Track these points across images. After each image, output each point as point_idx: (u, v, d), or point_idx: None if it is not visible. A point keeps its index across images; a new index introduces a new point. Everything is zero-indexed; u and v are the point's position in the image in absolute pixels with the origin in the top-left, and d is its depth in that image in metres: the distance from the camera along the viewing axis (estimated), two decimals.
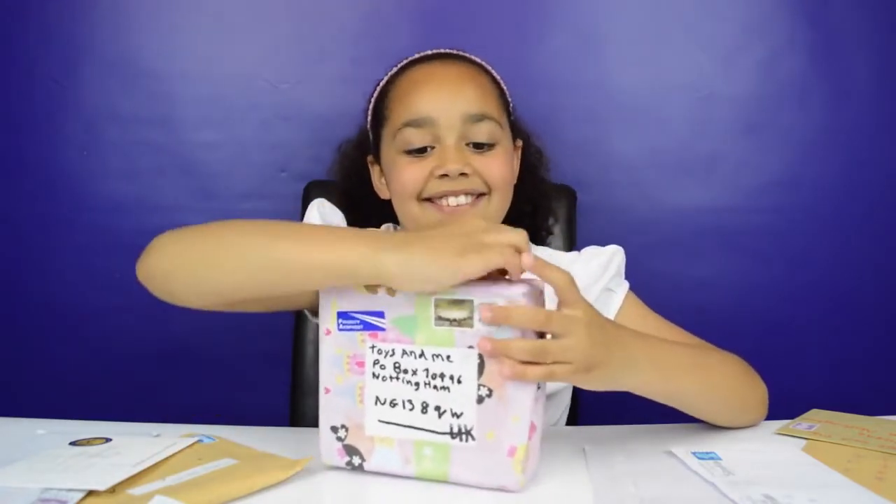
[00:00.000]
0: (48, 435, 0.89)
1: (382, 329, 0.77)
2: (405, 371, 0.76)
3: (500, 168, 1.02)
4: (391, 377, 0.77)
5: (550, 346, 0.73)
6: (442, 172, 0.99)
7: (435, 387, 0.76)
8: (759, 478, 0.77)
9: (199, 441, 0.86)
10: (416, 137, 1.00)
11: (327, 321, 0.79)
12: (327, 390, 0.80)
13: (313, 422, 1.24)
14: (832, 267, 1.52)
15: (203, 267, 0.82)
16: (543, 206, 1.20)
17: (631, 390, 0.83)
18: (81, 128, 1.47)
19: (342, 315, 0.78)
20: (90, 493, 0.72)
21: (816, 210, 1.51)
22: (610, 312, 1.02)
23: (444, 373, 0.75)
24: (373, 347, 0.77)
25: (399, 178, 1.02)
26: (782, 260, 1.52)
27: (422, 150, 1.01)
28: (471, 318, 0.73)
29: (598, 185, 1.47)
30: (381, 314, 0.77)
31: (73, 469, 0.77)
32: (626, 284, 1.06)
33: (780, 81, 1.49)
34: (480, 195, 1.02)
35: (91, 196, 1.48)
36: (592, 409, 1.26)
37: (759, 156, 1.50)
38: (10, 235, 1.48)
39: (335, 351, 0.79)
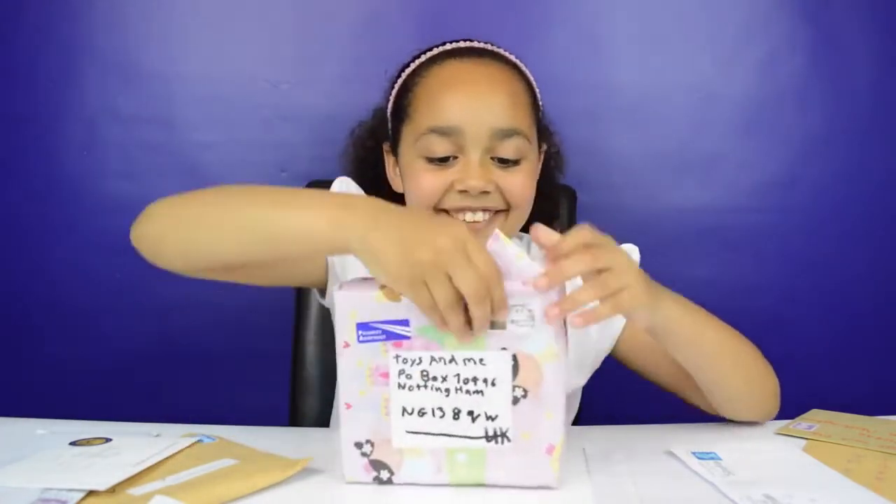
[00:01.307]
0: (48, 435, 0.89)
1: (407, 338, 0.74)
2: (434, 378, 0.75)
3: (524, 186, 0.97)
4: (418, 386, 0.75)
5: (608, 278, 0.74)
6: (463, 188, 0.94)
7: (468, 391, 0.75)
8: (759, 478, 0.78)
9: (199, 441, 0.86)
10: (440, 146, 0.95)
11: (345, 333, 0.75)
12: (349, 406, 0.76)
13: (313, 422, 1.24)
14: (832, 267, 1.52)
15: (187, 230, 0.84)
16: (550, 212, 1.18)
17: (669, 328, 0.85)
18: (81, 128, 1.47)
19: (362, 326, 0.75)
20: (90, 493, 0.72)
21: (816, 210, 1.51)
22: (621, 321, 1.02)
23: (478, 376, 0.75)
24: (397, 357, 0.75)
25: (417, 185, 0.97)
26: (782, 260, 1.52)
27: (444, 159, 0.95)
28: (504, 320, 0.73)
29: (598, 185, 1.46)
30: (405, 322, 0.74)
31: (73, 469, 0.77)
32: None
33: (780, 81, 1.49)
34: (499, 211, 0.98)
35: (91, 196, 1.48)
36: (592, 409, 1.26)
37: (759, 156, 1.50)
38: (10, 235, 1.48)
39: (356, 364, 0.76)
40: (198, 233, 0.84)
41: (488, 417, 0.75)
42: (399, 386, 0.75)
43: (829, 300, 1.53)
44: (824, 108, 1.49)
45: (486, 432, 0.75)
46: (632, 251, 1.04)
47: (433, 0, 1.48)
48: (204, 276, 0.89)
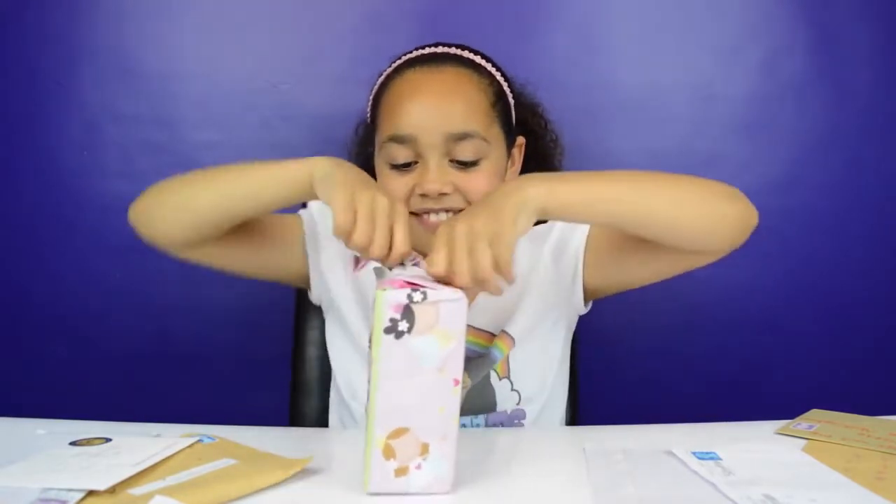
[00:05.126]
0: (48, 435, 0.89)
1: None
2: None
3: (483, 185, 1.00)
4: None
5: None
6: (422, 192, 0.99)
7: None
8: (759, 478, 0.78)
9: (199, 441, 0.86)
10: (400, 153, 1.00)
11: (460, 335, 0.73)
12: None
13: (313, 422, 1.24)
14: (832, 267, 1.52)
15: (177, 201, 0.97)
16: None
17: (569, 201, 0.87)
18: (81, 128, 1.47)
19: None
20: (90, 493, 0.72)
21: (816, 210, 1.51)
22: (576, 236, 1.07)
23: None
24: None
25: (385, 189, 1.01)
26: (782, 260, 1.52)
27: (406, 165, 1.01)
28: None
29: None
30: None
31: (73, 469, 0.77)
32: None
33: (780, 81, 1.49)
34: (460, 211, 1.00)
35: (91, 196, 1.48)
36: (592, 409, 1.26)
37: (759, 156, 1.50)
38: (10, 235, 1.48)
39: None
40: (189, 201, 0.96)
41: None
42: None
43: (829, 300, 1.53)
44: (824, 108, 1.50)
45: None
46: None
47: (433, 0, 1.48)
48: (193, 254, 1.01)
